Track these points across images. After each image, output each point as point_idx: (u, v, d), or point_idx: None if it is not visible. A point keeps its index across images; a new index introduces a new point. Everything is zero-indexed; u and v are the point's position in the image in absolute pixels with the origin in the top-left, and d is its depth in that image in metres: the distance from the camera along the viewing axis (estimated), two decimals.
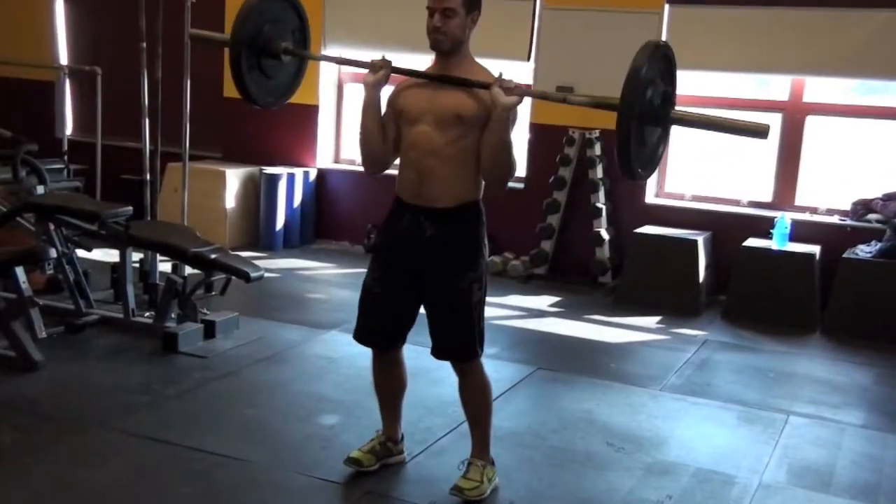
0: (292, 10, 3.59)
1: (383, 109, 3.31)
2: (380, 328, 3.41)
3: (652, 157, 3.18)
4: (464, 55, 3.24)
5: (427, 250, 3.26)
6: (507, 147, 3.13)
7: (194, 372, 4.54)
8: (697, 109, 6.91)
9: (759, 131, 2.97)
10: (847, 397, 4.85)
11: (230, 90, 7.83)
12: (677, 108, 3.11)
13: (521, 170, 7.25)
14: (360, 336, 3.45)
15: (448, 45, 3.17)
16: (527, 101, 7.29)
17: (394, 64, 3.28)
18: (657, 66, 3.00)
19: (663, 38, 6.61)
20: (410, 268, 3.30)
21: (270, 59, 3.49)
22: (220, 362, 4.71)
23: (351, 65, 3.72)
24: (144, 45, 5.50)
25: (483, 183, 3.29)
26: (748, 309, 6.22)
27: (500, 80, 3.10)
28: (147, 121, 5.60)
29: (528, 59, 7.01)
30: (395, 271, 3.34)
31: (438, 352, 3.37)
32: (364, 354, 3.58)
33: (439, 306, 3.32)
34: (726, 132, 3.09)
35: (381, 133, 3.29)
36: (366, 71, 3.30)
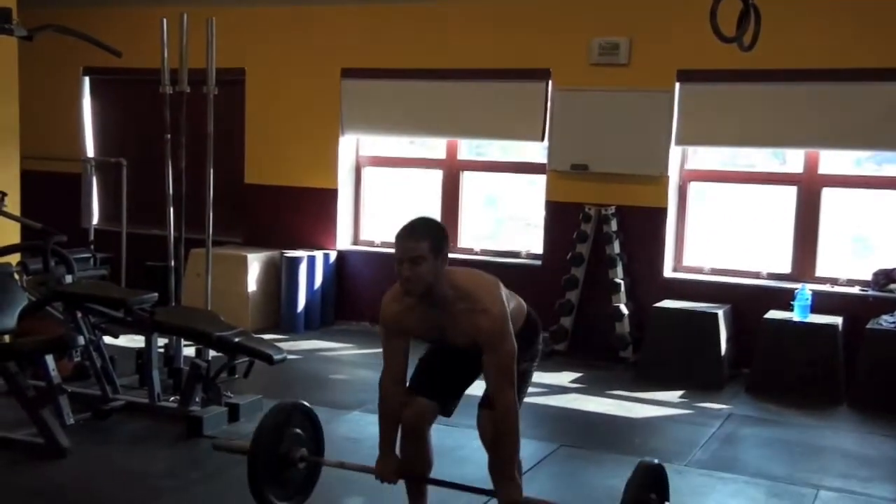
0: (307, 420, 3.81)
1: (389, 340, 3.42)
2: (433, 383, 3.47)
3: None
4: (441, 290, 3.21)
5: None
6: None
7: (218, 456, 4.53)
8: (715, 184, 7.03)
9: None
10: (877, 471, 4.78)
11: (251, 177, 8.15)
12: None
13: (538, 247, 7.36)
14: (415, 385, 3.48)
15: (420, 290, 3.17)
16: (542, 179, 7.36)
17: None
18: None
19: (675, 115, 6.75)
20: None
21: (287, 467, 3.69)
22: None
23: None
24: (169, 136, 5.67)
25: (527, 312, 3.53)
26: (772, 382, 6.18)
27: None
28: (171, 209, 5.74)
29: (543, 138, 7.13)
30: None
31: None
32: None
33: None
34: None
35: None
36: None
